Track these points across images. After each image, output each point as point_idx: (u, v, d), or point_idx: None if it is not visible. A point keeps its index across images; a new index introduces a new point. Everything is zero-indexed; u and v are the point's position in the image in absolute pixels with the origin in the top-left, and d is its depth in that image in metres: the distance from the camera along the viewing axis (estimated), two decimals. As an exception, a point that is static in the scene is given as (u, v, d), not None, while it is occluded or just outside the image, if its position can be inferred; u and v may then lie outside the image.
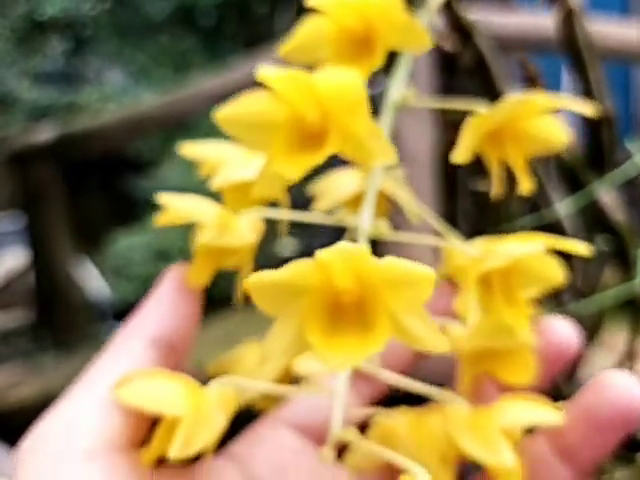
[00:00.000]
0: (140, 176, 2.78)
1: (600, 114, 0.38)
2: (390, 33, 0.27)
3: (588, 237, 0.43)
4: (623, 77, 2.98)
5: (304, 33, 0.28)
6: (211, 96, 1.76)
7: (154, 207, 0.28)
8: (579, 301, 0.42)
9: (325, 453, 0.27)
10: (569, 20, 0.36)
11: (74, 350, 2.17)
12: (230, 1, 3.50)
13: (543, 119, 0.30)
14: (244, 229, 0.29)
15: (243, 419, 0.31)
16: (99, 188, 3.13)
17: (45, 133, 2.34)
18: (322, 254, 0.21)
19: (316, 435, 0.31)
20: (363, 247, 0.22)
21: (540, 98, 0.28)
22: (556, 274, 0.30)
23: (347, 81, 0.24)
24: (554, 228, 0.39)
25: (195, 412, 0.24)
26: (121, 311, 2.70)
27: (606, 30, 1.63)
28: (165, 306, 0.29)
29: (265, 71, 0.24)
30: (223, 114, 0.27)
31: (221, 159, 0.31)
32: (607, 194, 0.40)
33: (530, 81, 0.37)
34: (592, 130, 0.39)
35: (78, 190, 2.81)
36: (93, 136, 2.50)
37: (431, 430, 0.29)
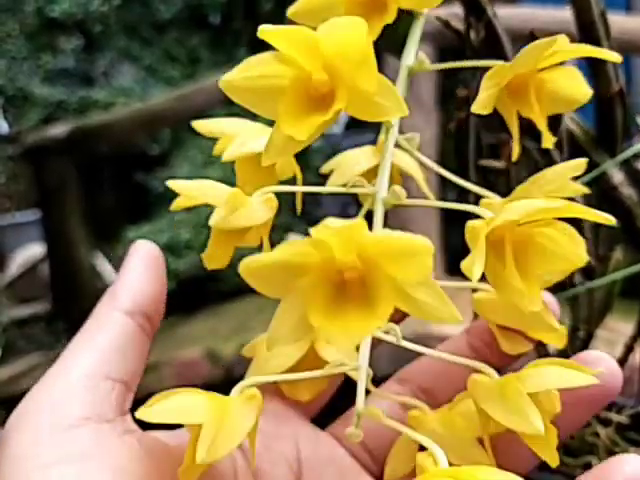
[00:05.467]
0: (151, 170, 2.81)
1: (612, 92, 0.40)
2: None
3: None
4: (624, 69, 2.99)
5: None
6: (220, 91, 1.78)
7: (166, 201, 0.28)
8: (590, 280, 0.44)
9: (350, 431, 0.26)
10: None
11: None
12: (237, -2, 3.52)
13: (563, 72, 0.29)
14: (258, 206, 0.28)
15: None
16: (112, 182, 3.15)
17: (58, 128, 2.37)
18: (318, 230, 0.21)
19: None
20: (359, 222, 0.21)
21: (559, 42, 0.27)
22: (578, 252, 0.27)
23: (352, 34, 0.23)
24: None
25: (218, 417, 0.24)
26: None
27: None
28: (137, 279, 0.29)
29: (268, 28, 0.23)
30: (227, 80, 0.26)
31: (236, 133, 0.31)
32: (618, 173, 0.42)
33: None
34: (604, 108, 0.41)
35: (92, 184, 2.84)
36: (105, 131, 2.54)
37: (462, 411, 0.28)
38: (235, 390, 0.26)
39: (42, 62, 3.46)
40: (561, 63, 0.29)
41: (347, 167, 0.32)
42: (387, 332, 0.26)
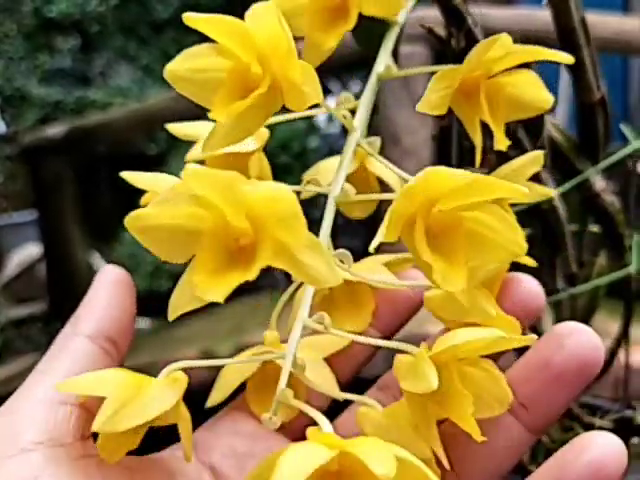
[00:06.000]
0: (149, 170, 2.81)
1: (595, 99, 0.40)
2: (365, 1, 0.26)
3: (582, 223, 0.45)
4: (621, 70, 3.00)
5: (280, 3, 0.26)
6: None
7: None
8: (573, 287, 0.44)
9: (267, 417, 0.25)
10: (564, 3, 0.37)
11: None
12: (235, -2, 3.52)
13: (523, 77, 0.29)
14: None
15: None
16: (109, 183, 3.16)
17: (54, 129, 2.37)
18: (188, 170, 0.22)
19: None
20: (232, 173, 0.22)
21: (502, 42, 0.26)
22: (517, 241, 0.25)
23: (270, 22, 0.23)
24: (548, 214, 0.41)
25: (129, 393, 0.23)
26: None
27: (603, 21, 1.66)
28: (101, 303, 0.29)
29: (192, 16, 0.24)
30: (171, 70, 0.27)
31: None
32: (601, 180, 0.42)
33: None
34: (585, 116, 0.41)
35: (88, 185, 2.84)
36: (102, 131, 2.54)
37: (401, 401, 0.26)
38: (162, 373, 0.25)
39: (39, 62, 3.47)
40: (527, 66, 0.29)
41: (326, 174, 0.32)
42: (320, 322, 0.26)
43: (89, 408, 0.26)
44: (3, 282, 2.83)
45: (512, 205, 0.42)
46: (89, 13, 3.49)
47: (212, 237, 0.23)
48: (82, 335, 0.28)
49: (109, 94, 3.35)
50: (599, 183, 0.41)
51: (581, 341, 0.26)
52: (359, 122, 0.29)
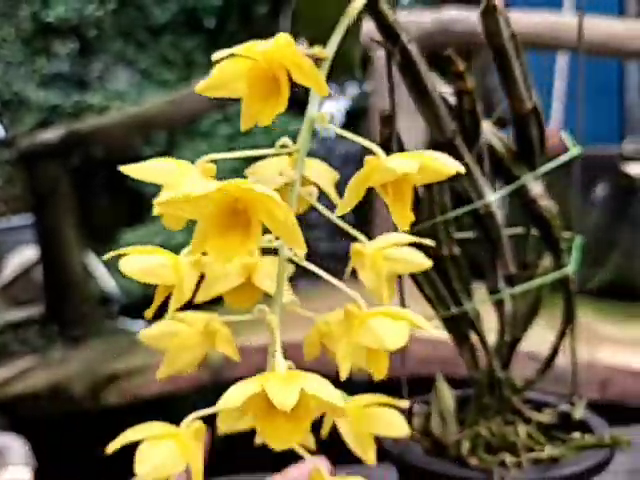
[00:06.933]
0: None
1: (526, 110, 0.42)
2: (294, 73, 0.28)
3: (523, 226, 0.47)
4: (617, 79, 3.02)
5: (221, 72, 0.28)
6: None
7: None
8: (512, 287, 0.45)
9: None
10: (491, 14, 0.39)
11: (81, 344, 2.23)
12: (232, 1, 3.55)
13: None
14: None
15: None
16: (106, 186, 3.18)
17: (51, 133, 2.40)
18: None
19: None
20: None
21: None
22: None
23: None
24: (485, 219, 0.43)
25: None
26: (127, 306, 2.77)
27: (592, 24, 1.67)
28: None
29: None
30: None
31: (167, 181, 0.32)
32: (537, 186, 0.44)
33: (457, 77, 0.40)
34: (519, 126, 0.42)
35: (86, 188, 2.87)
36: (98, 135, 2.56)
37: None
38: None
39: (37, 67, 3.49)
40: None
41: (264, 171, 0.33)
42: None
43: None
44: (1, 285, 2.86)
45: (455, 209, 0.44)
46: (87, 17, 3.52)
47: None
48: None
49: (107, 98, 3.37)
50: (536, 189, 0.43)
51: None
52: (298, 172, 0.30)
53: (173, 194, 0.26)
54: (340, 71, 0.40)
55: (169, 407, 1.72)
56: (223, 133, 3.12)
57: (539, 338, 0.52)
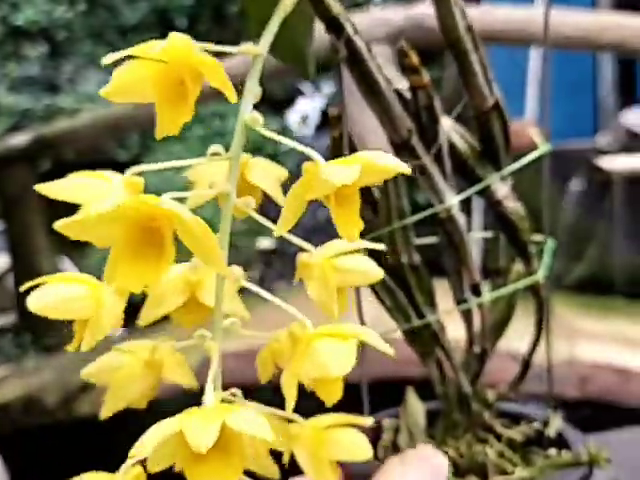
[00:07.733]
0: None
1: (487, 107, 0.39)
2: (206, 74, 0.25)
3: (495, 230, 0.44)
4: (591, 73, 3.02)
5: (124, 76, 0.26)
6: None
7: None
8: (478, 296, 0.42)
9: None
10: (448, 9, 0.36)
11: (54, 353, 2.19)
12: (203, 1, 3.51)
13: None
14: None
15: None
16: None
17: (18, 138, 2.35)
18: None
19: None
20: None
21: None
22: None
23: None
24: (447, 223, 0.40)
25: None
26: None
27: (560, 17, 1.66)
28: None
29: None
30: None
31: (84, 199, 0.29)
32: (503, 187, 0.41)
33: (411, 71, 0.38)
34: (481, 123, 0.39)
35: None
36: (68, 139, 2.52)
37: None
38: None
39: (7, 70, 3.43)
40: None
41: (204, 175, 0.31)
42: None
43: None
44: (-28, 294, 2.80)
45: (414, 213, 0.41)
46: (56, 20, 3.46)
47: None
48: None
49: (78, 100, 3.32)
50: (502, 190, 0.40)
51: None
52: (232, 182, 0.27)
53: (70, 218, 0.23)
54: (296, 72, 0.37)
55: (144, 415, 1.69)
56: (197, 134, 3.08)
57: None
